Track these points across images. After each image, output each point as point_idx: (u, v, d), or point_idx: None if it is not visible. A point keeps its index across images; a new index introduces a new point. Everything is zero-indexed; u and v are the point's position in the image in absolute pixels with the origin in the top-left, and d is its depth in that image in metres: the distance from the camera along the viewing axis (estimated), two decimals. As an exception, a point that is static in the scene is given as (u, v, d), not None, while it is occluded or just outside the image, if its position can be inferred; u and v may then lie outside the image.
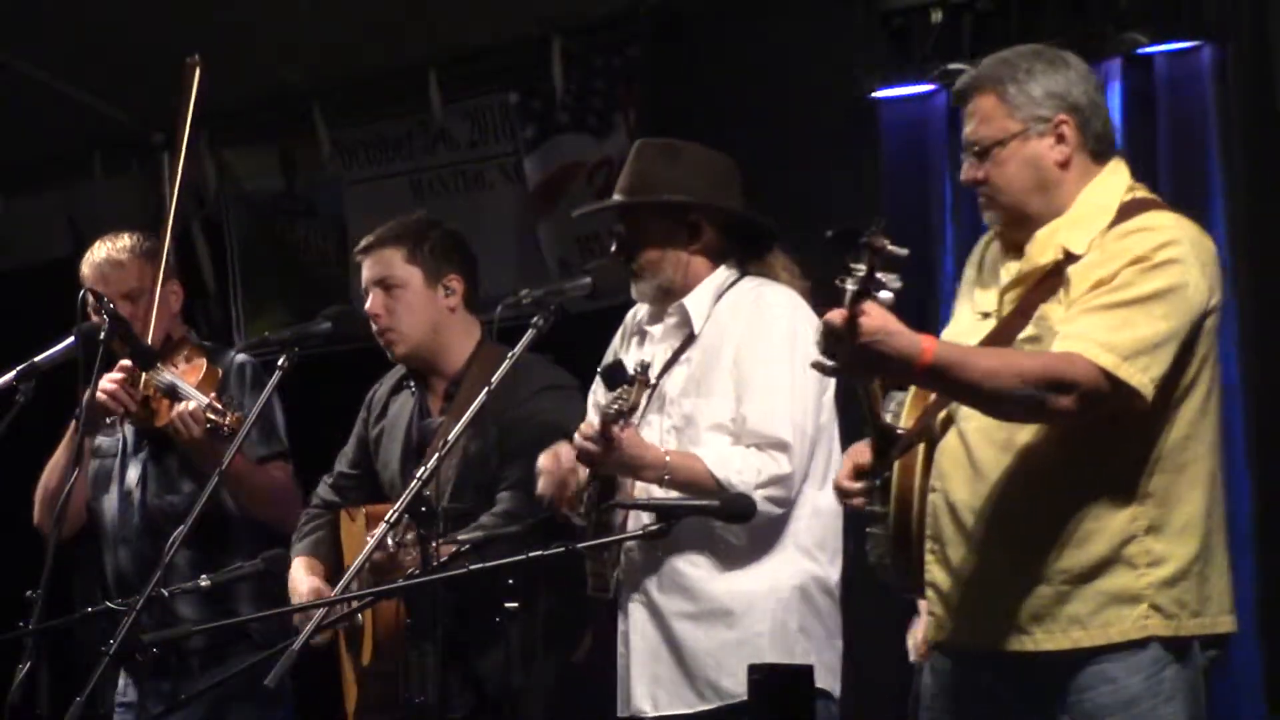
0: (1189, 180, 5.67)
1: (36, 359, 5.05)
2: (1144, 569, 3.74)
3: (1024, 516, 3.78)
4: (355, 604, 4.41)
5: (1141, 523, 3.75)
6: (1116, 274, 3.72)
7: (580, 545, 4.21)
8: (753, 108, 6.62)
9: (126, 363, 5.10)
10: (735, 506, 4.22)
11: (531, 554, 4.21)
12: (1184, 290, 3.71)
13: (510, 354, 4.44)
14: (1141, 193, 3.91)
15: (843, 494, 3.96)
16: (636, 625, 4.68)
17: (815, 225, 5.65)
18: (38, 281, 8.34)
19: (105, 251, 5.34)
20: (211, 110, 8.11)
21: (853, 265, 3.50)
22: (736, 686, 4.45)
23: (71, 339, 5.01)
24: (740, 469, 4.52)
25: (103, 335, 4.96)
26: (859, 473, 3.91)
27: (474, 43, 7.37)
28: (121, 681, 5.10)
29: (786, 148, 6.54)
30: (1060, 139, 3.85)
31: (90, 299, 5.11)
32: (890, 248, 3.49)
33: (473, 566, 4.06)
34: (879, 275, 3.49)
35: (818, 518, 4.64)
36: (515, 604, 4.02)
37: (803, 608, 4.63)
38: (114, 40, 7.54)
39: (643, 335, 4.78)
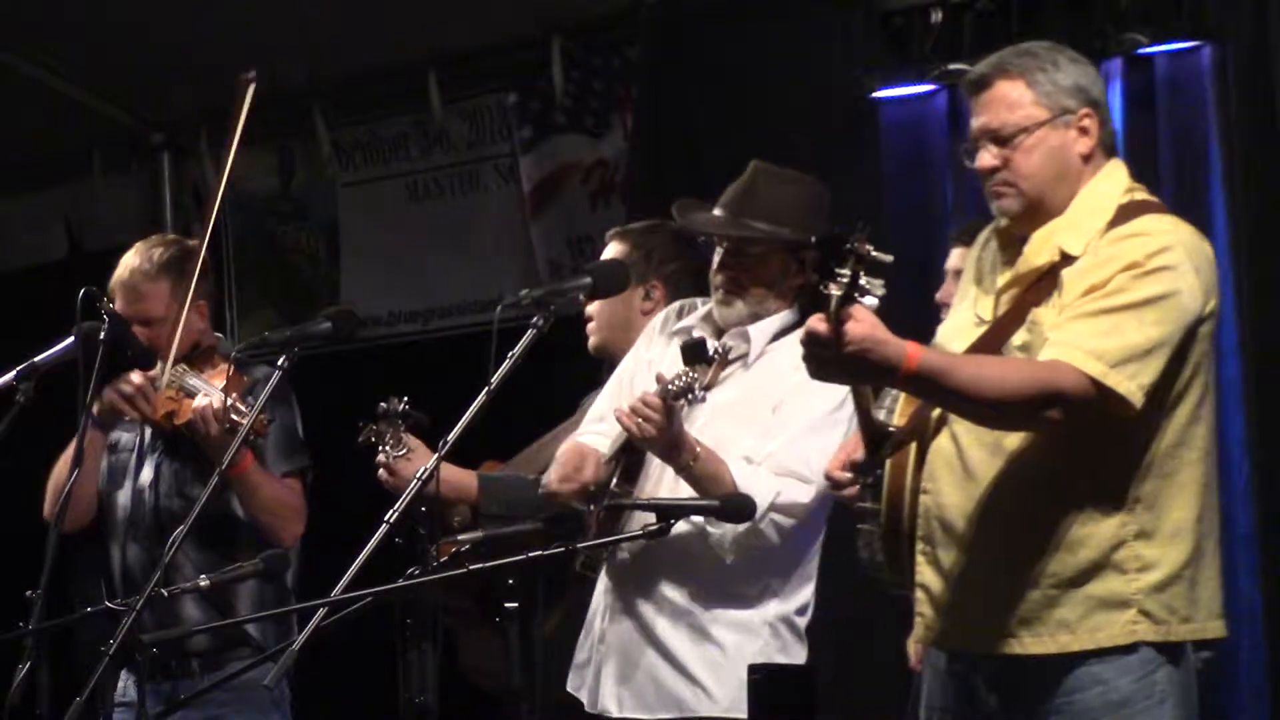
0: (1189, 180, 5.67)
1: (36, 359, 5.04)
2: (1133, 574, 3.73)
3: (1013, 520, 3.77)
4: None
5: (1131, 528, 3.73)
6: (1109, 280, 3.70)
7: (580, 545, 4.21)
8: (753, 108, 6.61)
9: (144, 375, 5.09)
10: (734, 507, 4.22)
11: (531, 554, 4.21)
12: (1177, 297, 3.69)
13: (510, 354, 4.43)
14: (1141, 194, 3.89)
15: (834, 484, 3.96)
16: (615, 626, 4.70)
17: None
18: (38, 281, 8.36)
19: (129, 271, 5.31)
20: (211, 110, 8.15)
21: (838, 271, 3.50)
22: (701, 703, 4.54)
23: (71, 339, 5.00)
24: (764, 483, 4.52)
25: (103, 335, 4.95)
26: (852, 467, 3.92)
27: (474, 43, 7.38)
28: (121, 682, 5.09)
29: (786, 148, 6.52)
30: (1084, 132, 3.84)
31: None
32: (875, 254, 3.49)
33: (472, 566, 4.06)
34: (863, 281, 3.49)
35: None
36: (515, 604, 4.02)
37: (780, 640, 4.67)
38: (114, 40, 7.54)
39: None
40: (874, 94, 6.26)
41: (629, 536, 4.36)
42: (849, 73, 6.32)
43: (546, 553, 4.14)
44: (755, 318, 4.69)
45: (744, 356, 4.67)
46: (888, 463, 3.88)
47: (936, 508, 3.83)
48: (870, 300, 3.51)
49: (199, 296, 5.29)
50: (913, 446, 3.87)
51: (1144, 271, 3.69)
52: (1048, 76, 3.83)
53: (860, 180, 6.36)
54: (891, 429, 3.90)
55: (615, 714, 4.69)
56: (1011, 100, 3.85)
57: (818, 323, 3.55)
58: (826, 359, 3.58)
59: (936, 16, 6.09)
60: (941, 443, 3.84)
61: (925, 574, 3.86)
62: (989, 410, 3.69)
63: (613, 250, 5.23)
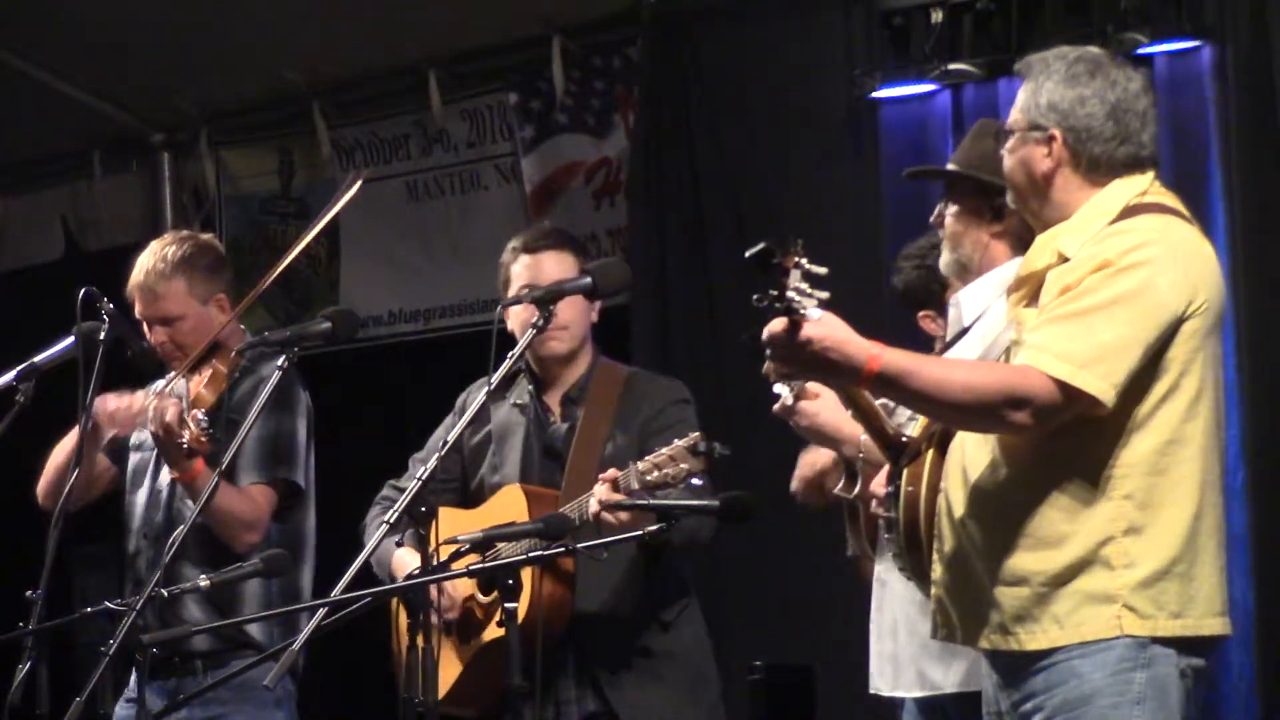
0: (1189, 180, 5.67)
1: (36, 359, 5.04)
2: (1120, 570, 3.71)
3: (1004, 519, 3.77)
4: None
5: (1120, 524, 3.71)
6: (1082, 280, 3.69)
7: (580, 545, 4.19)
8: (752, 108, 6.62)
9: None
10: (733, 507, 4.22)
11: (531, 554, 4.21)
12: (1151, 294, 3.67)
13: (510, 354, 4.42)
14: (1154, 197, 3.83)
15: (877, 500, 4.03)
16: (875, 602, 4.69)
17: (816, 225, 5.65)
18: (37, 281, 8.36)
19: (143, 273, 5.30)
20: (211, 110, 8.16)
21: (773, 287, 3.56)
22: (941, 678, 4.51)
23: (71, 339, 5.00)
24: None
25: (102, 335, 4.95)
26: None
27: (474, 43, 7.38)
28: (133, 678, 5.09)
29: (786, 148, 6.54)
30: (1048, 152, 3.84)
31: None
32: (809, 266, 3.56)
33: (472, 567, 4.06)
34: (794, 294, 3.54)
35: None
36: (515, 604, 4.02)
37: None
38: (114, 40, 7.54)
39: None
40: (874, 94, 6.27)
41: (629, 537, 4.35)
42: (849, 73, 6.33)
43: (547, 553, 4.14)
44: (957, 264, 4.63)
45: (963, 329, 4.59)
46: (904, 473, 3.90)
47: (946, 506, 3.85)
48: (814, 313, 3.56)
49: (216, 291, 5.28)
50: (929, 458, 3.89)
51: (1116, 270, 3.67)
52: (1035, 88, 3.85)
53: (860, 180, 6.37)
54: (905, 439, 3.93)
55: (879, 690, 4.69)
56: (1015, 102, 3.91)
57: (777, 324, 3.59)
58: (788, 360, 3.63)
59: (937, 16, 6.11)
60: (955, 444, 3.86)
61: (937, 570, 3.88)
62: (954, 412, 3.72)
63: (569, 260, 5.08)
